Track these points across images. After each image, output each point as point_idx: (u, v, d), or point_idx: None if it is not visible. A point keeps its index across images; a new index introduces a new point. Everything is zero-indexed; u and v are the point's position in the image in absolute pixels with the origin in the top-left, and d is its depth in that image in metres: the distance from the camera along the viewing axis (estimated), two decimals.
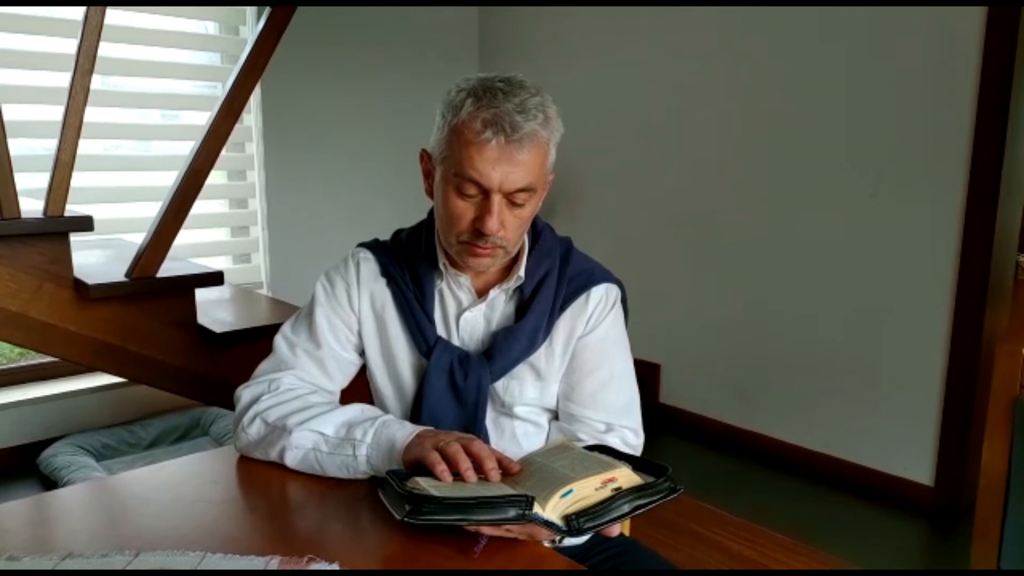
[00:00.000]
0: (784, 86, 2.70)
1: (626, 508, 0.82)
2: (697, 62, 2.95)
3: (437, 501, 0.79)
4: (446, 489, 0.84)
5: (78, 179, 1.74)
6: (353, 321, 1.14)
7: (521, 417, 1.13)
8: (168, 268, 1.83)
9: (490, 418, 1.12)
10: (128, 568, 0.77)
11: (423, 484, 0.85)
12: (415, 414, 1.11)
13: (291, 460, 1.02)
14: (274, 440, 1.02)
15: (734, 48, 2.83)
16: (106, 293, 1.71)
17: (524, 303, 1.10)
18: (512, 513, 0.78)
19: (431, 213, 1.13)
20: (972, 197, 2.30)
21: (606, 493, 0.84)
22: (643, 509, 0.83)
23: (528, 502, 0.79)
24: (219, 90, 2.88)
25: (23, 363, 2.82)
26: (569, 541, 0.99)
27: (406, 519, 0.79)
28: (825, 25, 2.56)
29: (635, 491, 0.84)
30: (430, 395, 1.09)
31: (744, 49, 2.80)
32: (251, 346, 1.86)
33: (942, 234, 2.37)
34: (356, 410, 1.04)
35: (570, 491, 0.83)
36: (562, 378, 1.14)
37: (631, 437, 1.14)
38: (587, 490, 0.84)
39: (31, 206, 1.69)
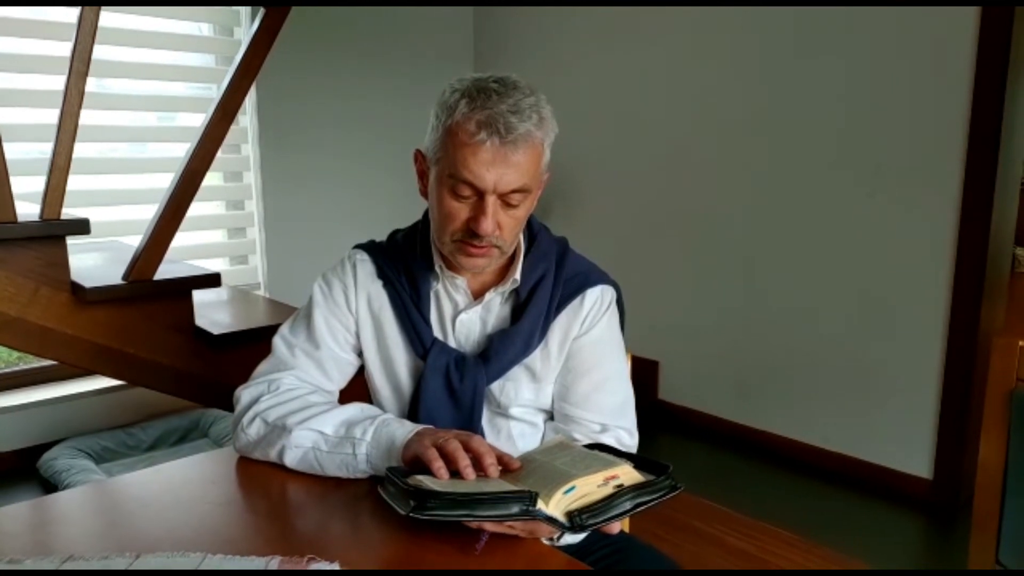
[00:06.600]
0: (781, 85, 2.71)
1: (628, 505, 0.82)
2: (694, 60, 2.95)
3: (441, 497, 0.80)
4: (447, 485, 0.84)
5: (74, 182, 1.74)
6: (351, 322, 1.14)
7: (517, 418, 1.13)
8: (165, 270, 1.82)
9: (486, 419, 1.12)
10: (129, 570, 0.77)
11: (424, 482, 0.85)
12: (412, 415, 1.11)
13: (291, 460, 1.02)
14: (274, 440, 1.02)
15: (731, 47, 2.83)
16: (103, 296, 1.71)
17: (520, 305, 1.10)
18: (516, 509, 0.78)
19: (426, 214, 1.13)
20: (968, 192, 2.30)
21: (608, 490, 0.84)
22: (644, 507, 0.83)
23: (532, 498, 0.79)
24: (214, 92, 2.88)
25: (22, 367, 2.82)
26: (567, 538, 1.00)
27: (411, 515, 0.79)
28: (822, 25, 2.57)
29: (637, 488, 0.84)
30: (427, 396, 1.09)
31: (741, 48, 2.80)
32: (249, 347, 1.86)
33: (939, 229, 2.38)
34: (356, 409, 1.04)
35: (572, 488, 0.83)
36: (557, 379, 1.14)
37: (626, 437, 1.14)
38: (589, 487, 0.84)
39: (27, 209, 1.68)
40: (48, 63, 2.58)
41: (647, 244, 3.19)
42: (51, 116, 1.67)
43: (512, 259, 1.12)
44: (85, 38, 1.59)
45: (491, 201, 0.99)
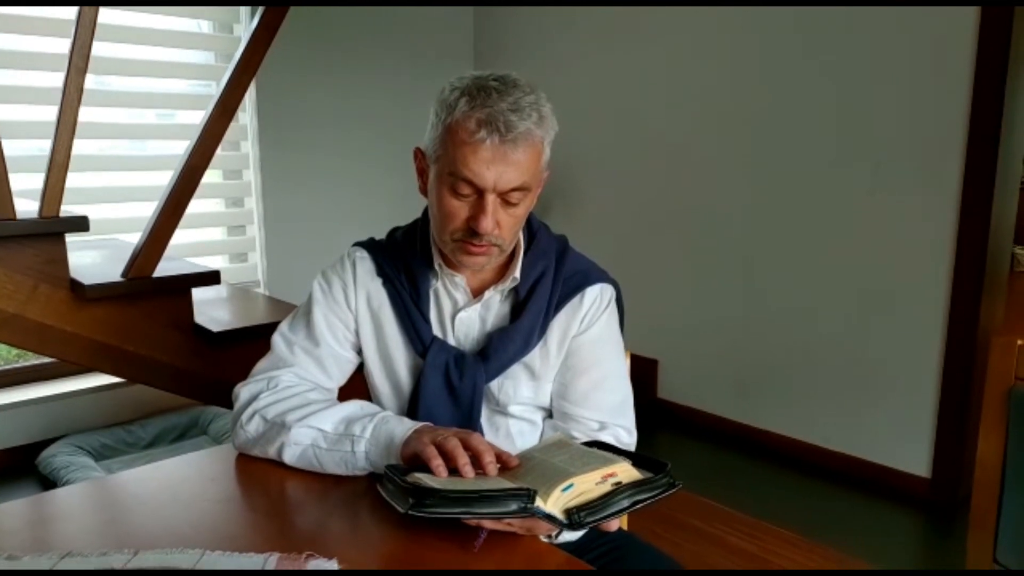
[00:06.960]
0: (780, 83, 2.70)
1: (626, 503, 0.83)
2: (694, 60, 2.95)
3: (440, 494, 0.80)
4: (446, 483, 0.84)
5: (73, 179, 1.74)
6: (350, 320, 1.14)
7: (516, 415, 1.13)
8: (164, 268, 1.82)
9: (485, 416, 1.12)
10: (127, 567, 0.77)
11: (423, 479, 0.85)
12: (411, 413, 1.11)
13: (289, 457, 1.02)
14: (273, 437, 1.02)
15: (731, 47, 2.83)
16: (103, 293, 1.71)
17: (519, 303, 1.10)
18: (514, 506, 0.78)
19: (426, 212, 1.13)
20: (968, 190, 2.30)
21: (606, 488, 0.84)
22: (642, 504, 0.83)
23: (530, 495, 0.79)
24: (213, 89, 2.88)
25: (21, 364, 2.82)
26: (566, 536, 1.00)
27: (409, 512, 0.79)
28: (822, 25, 2.57)
29: (635, 486, 0.84)
30: (426, 394, 1.09)
31: (741, 48, 2.80)
32: (249, 345, 1.86)
33: (938, 228, 2.38)
34: (355, 406, 1.04)
35: (571, 485, 0.83)
36: (556, 377, 1.14)
37: (624, 435, 1.15)
38: (587, 484, 0.84)
39: (26, 207, 1.68)
40: (47, 59, 2.58)
41: (647, 243, 3.19)
42: (50, 113, 1.67)
43: (512, 257, 1.12)
44: (84, 34, 1.58)
45: (491, 199, 0.99)
